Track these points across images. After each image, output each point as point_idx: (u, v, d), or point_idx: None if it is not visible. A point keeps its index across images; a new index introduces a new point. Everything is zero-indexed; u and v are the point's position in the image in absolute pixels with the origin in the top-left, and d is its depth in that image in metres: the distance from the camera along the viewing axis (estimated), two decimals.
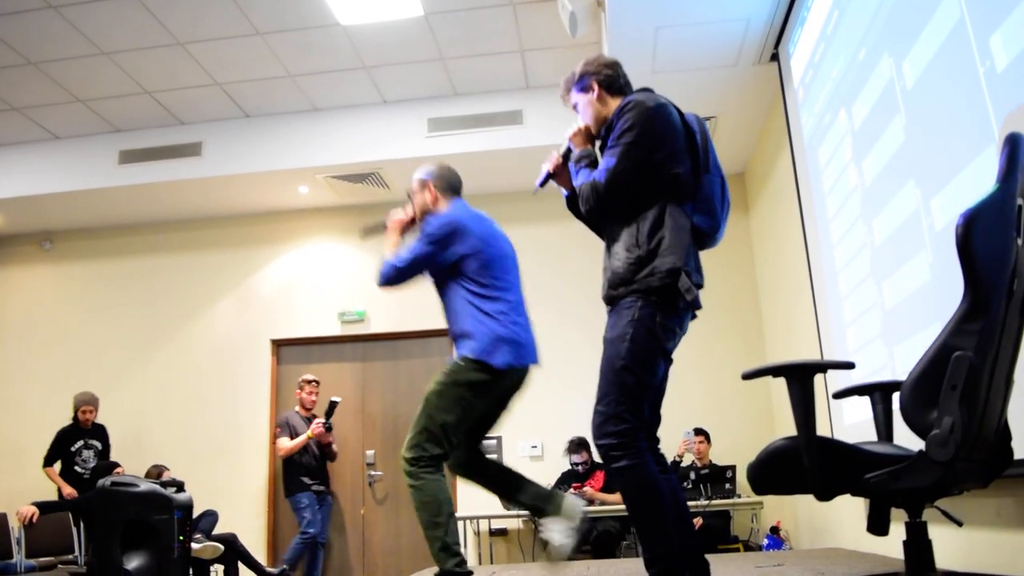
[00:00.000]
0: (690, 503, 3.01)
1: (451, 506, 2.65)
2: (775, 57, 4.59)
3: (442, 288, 2.82)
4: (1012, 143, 1.59)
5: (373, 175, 6.03)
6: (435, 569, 2.65)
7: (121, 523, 3.70)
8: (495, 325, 2.68)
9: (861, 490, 1.78)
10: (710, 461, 5.37)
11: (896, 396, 1.97)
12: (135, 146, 6.06)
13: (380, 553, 6.04)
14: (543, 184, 2.50)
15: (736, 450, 5.26)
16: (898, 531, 1.92)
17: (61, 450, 5.54)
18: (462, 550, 2.68)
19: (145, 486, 3.86)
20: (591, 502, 5.06)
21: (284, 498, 6.02)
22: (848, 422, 3.64)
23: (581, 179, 2.28)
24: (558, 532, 2.57)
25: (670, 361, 2.24)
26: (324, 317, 6.43)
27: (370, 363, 6.42)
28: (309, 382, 5.74)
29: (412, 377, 6.21)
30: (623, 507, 4.87)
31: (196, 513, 4.47)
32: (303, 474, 5.46)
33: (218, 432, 6.25)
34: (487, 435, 2.89)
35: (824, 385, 3.74)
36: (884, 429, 2.15)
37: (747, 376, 1.91)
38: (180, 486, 4.14)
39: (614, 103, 2.30)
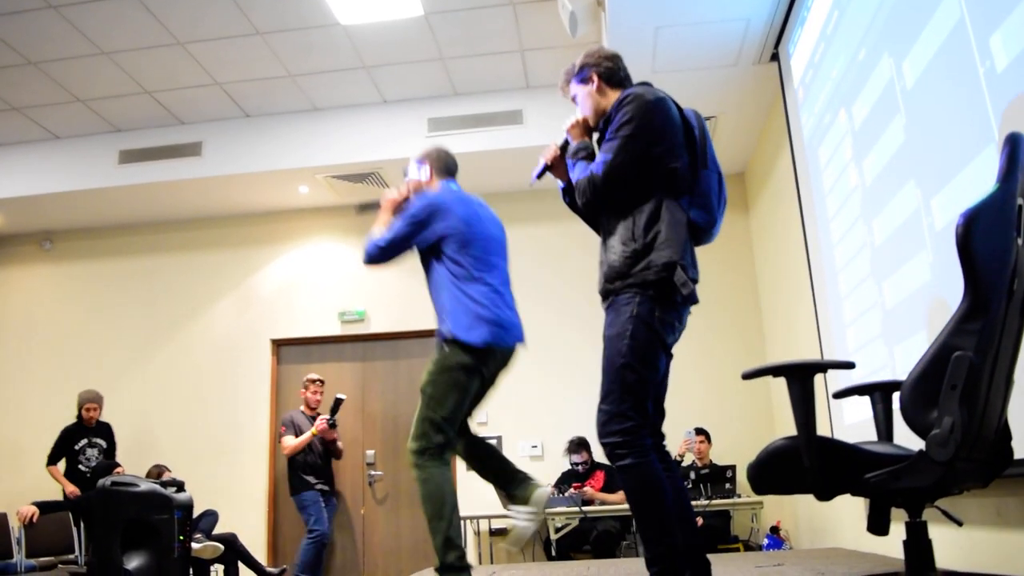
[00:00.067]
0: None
1: (455, 499, 2.68)
2: (775, 57, 4.59)
3: (427, 268, 2.89)
4: (1012, 143, 1.59)
5: (373, 175, 6.03)
6: (436, 567, 2.67)
7: (121, 523, 3.70)
8: (474, 305, 2.73)
9: (861, 490, 1.78)
10: (710, 461, 5.37)
11: (896, 396, 1.97)
12: (135, 146, 6.07)
13: (380, 553, 6.04)
14: (540, 176, 2.51)
15: (736, 450, 5.26)
16: (898, 531, 1.92)
17: (65, 449, 5.52)
18: (464, 545, 2.71)
19: (145, 486, 3.86)
20: (591, 502, 5.06)
21: (284, 499, 6.04)
22: (848, 422, 3.64)
23: (578, 172, 2.28)
24: (522, 518, 2.67)
25: (671, 356, 2.24)
26: (324, 317, 6.44)
27: (370, 363, 6.42)
28: (314, 381, 5.73)
29: (412, 377, 6.20)
30: (623, 507, 4.93)
31: (196, 513, 4.47)
32: (308, 473, 5.45)
33: (218, 432, 6.25)
34: (472, 414, 2.94)
35: (824, 385, 3.75)
36: (884, 429, 2.16)
37: (747, 376, 1.91)
38: (180, 486, 4.14)
39: (613, 95, 2.30)
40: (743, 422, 5.65)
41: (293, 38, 5.06)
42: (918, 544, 1.88)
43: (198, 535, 4.82)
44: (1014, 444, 1.73)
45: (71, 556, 5.05)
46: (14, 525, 4.82)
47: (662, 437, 2.29)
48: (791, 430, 1.79)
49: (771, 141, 5.32)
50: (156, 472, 5.35)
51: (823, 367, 2.07)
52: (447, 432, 2.69)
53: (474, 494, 2.89)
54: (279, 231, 6.66)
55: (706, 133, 2.30)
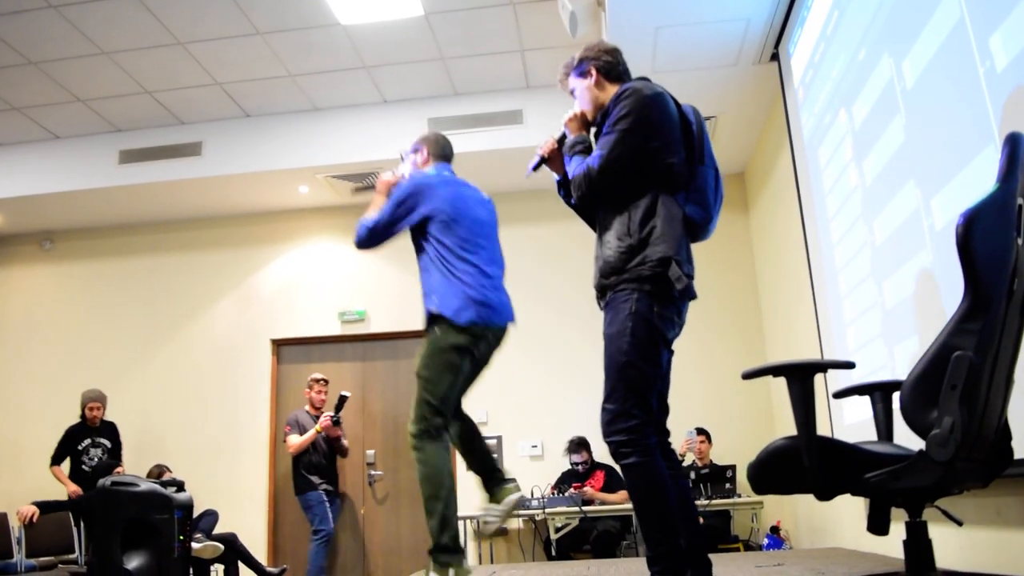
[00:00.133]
0: None
1: (453, 481, 2.73)
2: (775, 57, 4.59)
3: (417, 250, 2.94)
4: (1012, 143, 1.59)
5: (373, 175, 6.03)
6: (429, 548, 2.71)
7: (121, 523, 3.70)
8: (461, 285, 2.78)
9: (861, 490, 1.78)
10: (710, 461, 5.37)
11: (896, 396, 1.97)
12: (135, 146, 6.06)
13: (380, 553, 6.04)
14: (536, 168, 2.50)
15: (736, 450, 5.26)
16: (898, 531, 1.92)
17: (68, 449, 5.51)
18: (459, 528, 2.78)
19: (145, 485, 3.86)
20: (591, 502, 5.06)
21: (284, 499, 6.04)
22: (848, 422, 3.64)
23: (574, 165, 2.28)
24: (491, 515, 2.83)
25: (672, 351, 2.23)
26: (324, 317, 6.43)
27: (370, 363, 6.42)
28: (318, 381, 5.73)
29: (412, 377, 6.18)
30: (623, 507, 4.93)
31: (196, 513, 4.47)
32: (312, 473, 5.44)
33: (218, 432, 6.25)
34: (465, 394, 2.99)
35: (824, 385, 3.74)
36: (884, 429, 2.16)
37: (747, 376, 1.91)
38: (180, 486, 4.14)
39: (612, 90, 2.29)
40: (743, 422, 5.65)
41: (293, 38, 5.06)
42: (918, 544, 1.88)
43: (198, 535, 4.82)
44: (1014, 444, 1.73)
45: (71, 556, 5.06)
46: (14, 525, 4.82)
47: (667, 434, 2.29)
48: (791, 430, 1.79)
49: (771, 141, 5.32)
50: (157, 472, 5.35)
51: (823, 367, 2.07)
52: (445, 413, 2.77)
53: (475, 494, 2.90)
54: (279, 231, 6.66)
55: (704, 129, 2.30)
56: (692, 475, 5.04)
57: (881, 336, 3.15)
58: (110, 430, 5.71)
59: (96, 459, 5.51)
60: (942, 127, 2.50)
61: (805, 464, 1.74)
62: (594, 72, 2.34)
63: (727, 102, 5.12)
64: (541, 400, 5.97)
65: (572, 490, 5.12)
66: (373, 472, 6.16)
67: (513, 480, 2.88)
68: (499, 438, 5.91)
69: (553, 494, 5.16)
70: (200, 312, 6.58)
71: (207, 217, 6.71)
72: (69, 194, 6.15)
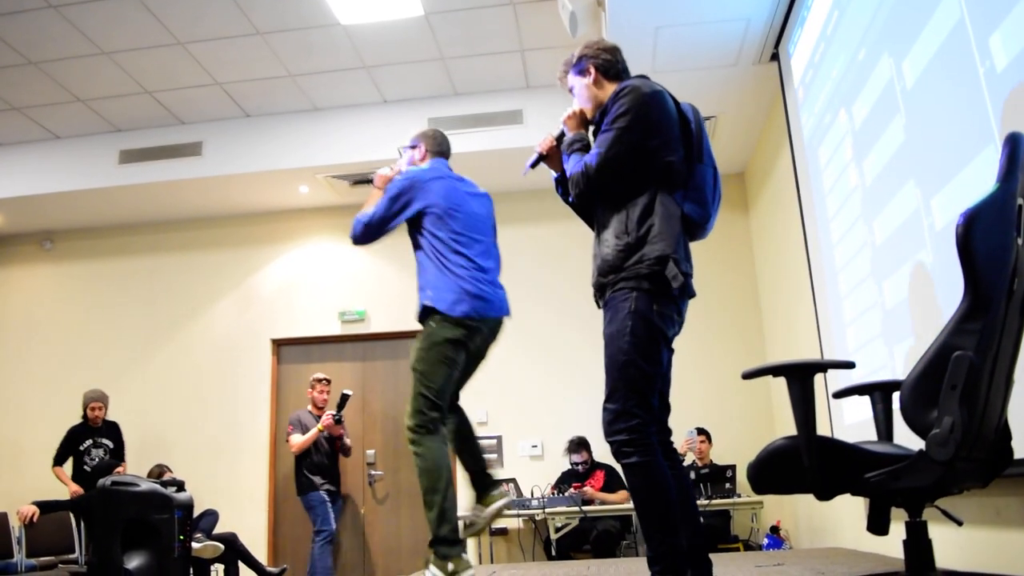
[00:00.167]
0: None
1: (451, 474, 2.75)
2: (775, 57, 4.59)
3: (414, 245, 2.96)
4: (1012, 143, 1.59)
5: (373, 174, 6.02)
6: (429, 541, 2.72)
7: (121, 522, 3.70)
8: (455, 278, 2.79)
9: (861, 490, 1.78)
10: (710, 461, 5.37)
11: (896, 396, 1.97)
12: (135, 146, 6.06)
13: (380, 553, 6.04)
14: (534, 165, 2.51)
15: (736, 450, 5.26)
16: (898, 531, 1.92)
17: (70, 449, 5.51)
18: (459, 521, 2.80)
19: (145, 485, 3.86)
20: (591, 502, 5.06)
21: (284, 499, 6.04)
22: (848, 422, 3.64)
23: (572, 163, 2.28)
24: (476, 517, 2.88)
25: (672, 349, 2.23)
26: (324, 317, 6.44)
27: (370, 363, 6.42)
28: (320, 380, 5.72)
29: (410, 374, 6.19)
30: (623, 507, 4.93)
31: (196, 512, 4.47)
32: (315, 473, 5.43)
33: (218, 432, 6.25)
34: (461, 388, 3.01)
35: (824, 385, 3.74)
36: (884, 429, 2.16)
37: (747, 376, 1.91)
38: (180, 485, 4.14)
39: (611, 88, 2.29)
40: (743, 422, 5.65)
41: (293, 38, 5.06)
42: (918, 544, 1.88)
43: (198, 535, 4.82)
44: (1014, 444, 1.73)
45: (71, 556, 5.06)
46: (14, 525, 4.82)
47: (669, 433, 2.29)
48: (791, 430, 1.79)
49: (771, 141, 5.32)
50: (157, 472, 5.35)
51: (823, 367, 2.07)
52: (441, 407, 2.78)
53: (464, 493, 2.93)
54: (279, 231, 6.66)
55: (702, 127, 2.30)
56: (692, 475, 5.04)
57: (881, 336, 3.15)
58: (112, 430, 5.70)
59: (98, 459, 5.51)
60: (942, 127, 2.50)
61: (805, 464, 1.74)
62: (593, 70, 2.34)
63: (727, 102, 5.12)
64: (541, 400, 5.97)
65: (572, 490, 5.12)
66: (373, 472, 6.16)
67: (501, 484, 2.91)
68: (499, 438, 5.91)
69: (553, 494, 5.16)
70: (200, 312, 6.59)
71: (207, 217, 6.71)
72: (69, 194, 6.16)
